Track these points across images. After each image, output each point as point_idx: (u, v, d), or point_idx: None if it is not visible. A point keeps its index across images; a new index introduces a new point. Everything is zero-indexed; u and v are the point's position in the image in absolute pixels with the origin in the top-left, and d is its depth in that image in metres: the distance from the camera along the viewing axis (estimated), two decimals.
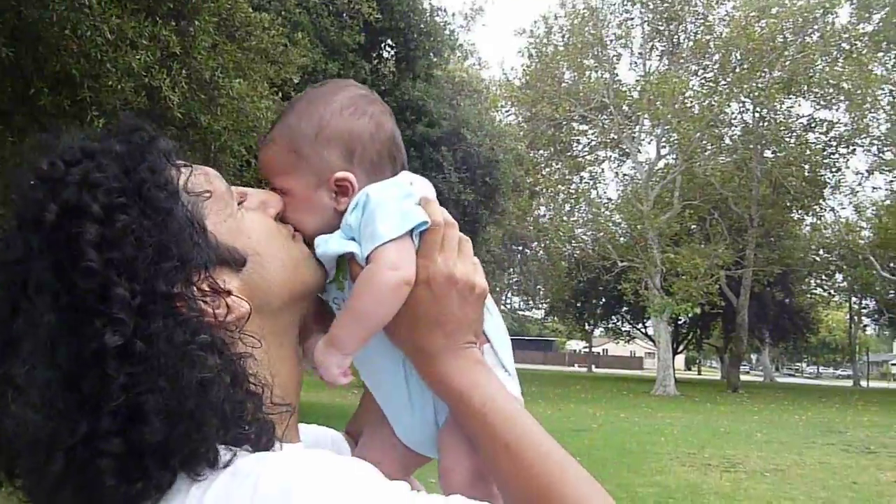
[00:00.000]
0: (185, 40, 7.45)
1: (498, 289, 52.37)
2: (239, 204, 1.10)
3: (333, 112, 1.20)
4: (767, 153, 37.59)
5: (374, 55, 18.83)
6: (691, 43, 37.39)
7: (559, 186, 41.26)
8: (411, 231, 1.11)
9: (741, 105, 38.10)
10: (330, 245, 1.13)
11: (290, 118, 1.21)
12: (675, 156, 38.10)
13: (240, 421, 0.93)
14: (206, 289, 0.96)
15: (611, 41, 38.32)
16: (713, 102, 34.98)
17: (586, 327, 60.71)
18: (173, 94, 7.00)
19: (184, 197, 0.99)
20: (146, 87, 7.05)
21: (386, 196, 1.12)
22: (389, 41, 19.22)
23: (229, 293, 0.98)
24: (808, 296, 51.89)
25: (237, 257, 1.02)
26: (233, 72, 7.96)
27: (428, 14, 19.32)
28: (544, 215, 43.25)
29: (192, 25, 7.61)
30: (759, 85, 34.41)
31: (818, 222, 44.22)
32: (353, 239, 1.12)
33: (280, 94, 9.76)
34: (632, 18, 38.73)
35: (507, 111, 40.21)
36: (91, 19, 6.58)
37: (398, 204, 1.12)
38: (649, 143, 40.51)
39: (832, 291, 52.17)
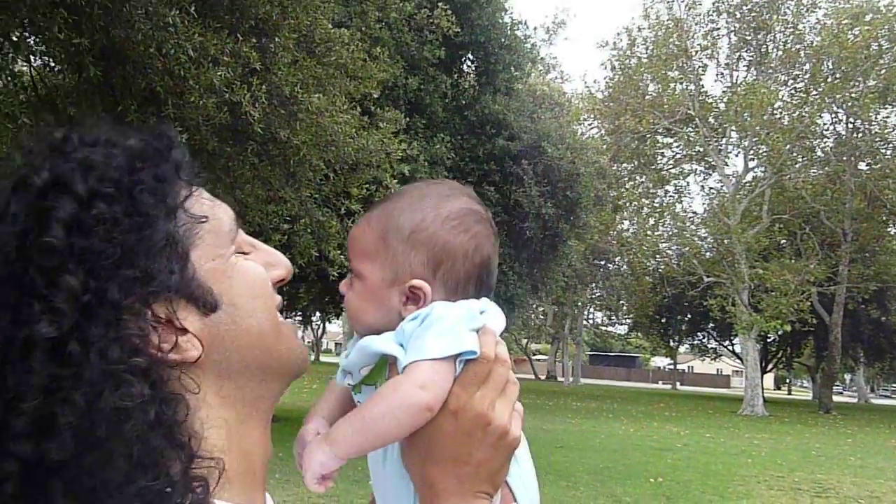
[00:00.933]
0: (266, 56, 7.59)
1: (580, 303, 51.81)
2: (242, 253, 1.00)
3: (436, 218, 1.13)
4: (862, 165, 36.18)
5: (455, 69, 18.90)
6: (780, 52, 36.26)
7: (643, 200, 40.62)
8: (457, 356, 1.02)
9: (833, 115, 36.80)
10: (376, 341, 1.05)
11: (394, 206, 1.15)
12: (763, 168, 37.06)
13: (152, 470, 0.81)
14: (162, 316, 0.87)
15: (696, 52, 37.49)
16: (804, 113, 33.90)
17: (671, 344, 59.63)
18: (254, 110, 7.13)
19: (180, 216, 0.92)
20: (227, 102, 7.20)
21: (449, 314, 1.05)
22: (470, 55, 19.28)
23: (185, 331, 0.89)
24: None
25: (209, 300, 0.91)
26: (312, 87, 8.07)
27: (509, 28, 19.29)
28: (628, 229, 42.64)
29: (272, 42, 7.75)
30: (853, 94, 33.20)
31: None
32: (402, 346, 1.04)
33: (359, 109, 9.85)
34: (718, 29, 37.82)
35: (589, 124, 39.87)
36: (175, 38, 6.76)
37: (456, 326, 1.04)
38: (736, 156, 39.50)
39: None
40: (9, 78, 8.10)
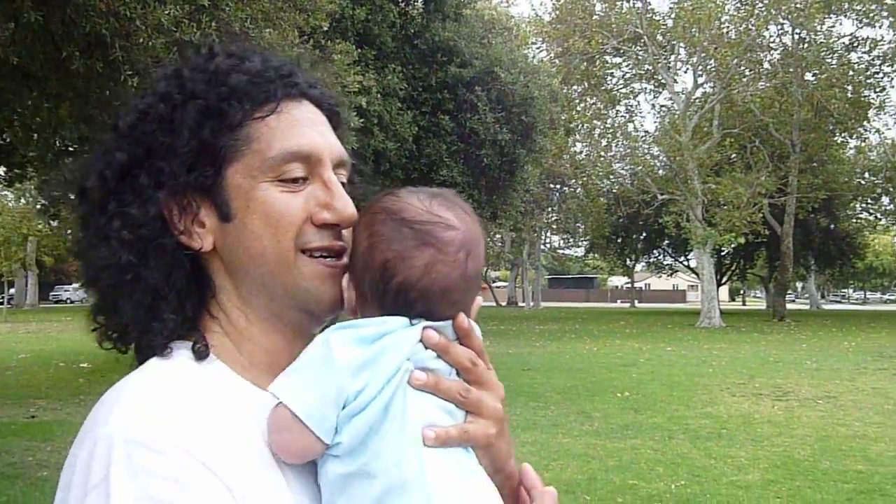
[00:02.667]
0: None
1: (538, 228, 52.19)
2: (290, 181, 1.03)
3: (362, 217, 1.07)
4: (808, 76, 36.60)
5: None
6: None
7: (595, 122, 40.64)
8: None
9: (779, 27, 37.05)
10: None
11: (389, 215, 1.04)
12: (712, 84, 37.30)
13: (171, 303, 1.03)
14: (185, 206, 1.03)
15: None
16: (750, 26, 34.02)
17: (628, 263, 60.57)
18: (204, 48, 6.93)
19: (228, 133, 1.03)
20: (177, 42, 6.98)
21: (309, 355, 0.99)
22: None
23: (203, 224, 1.04)
24: (854, 220, 50.94)
25: (224, 209, 1.03)
26: (262, 22, 7.85)
27: None
28: (581, 152, 42.76)
29: None
30: (798, 5, 33.34)
31: (863, 145, 43.26)
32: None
33: (311, 42, 9.64)
34: None
35: (538, 48, 39.53)
36: None
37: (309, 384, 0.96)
38: (685, 73, 39.89)
39: (878, 215, 51.00)
40: None
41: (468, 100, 18.99)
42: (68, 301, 74.09)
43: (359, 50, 13.72)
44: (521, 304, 62.36)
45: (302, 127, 1.05)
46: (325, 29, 10.38)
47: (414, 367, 0.98)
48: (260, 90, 1.04)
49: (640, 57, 38.46)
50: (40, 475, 8.15)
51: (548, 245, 67.41)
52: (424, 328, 0.99)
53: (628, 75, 41.18)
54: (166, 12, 6.71)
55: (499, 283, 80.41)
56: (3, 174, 14.08)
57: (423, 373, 0.98)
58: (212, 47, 1.11)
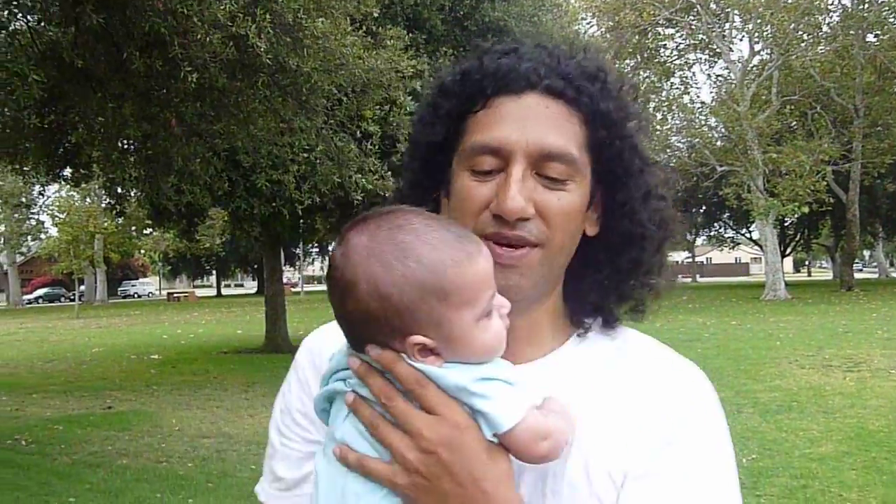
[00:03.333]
0: None
1: None
2: (480, 172, 1.16)
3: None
4: (870, 37, 35.34)
5: None
6: None
7: (649, 95, 39.98)
8: None
9: None
10: None
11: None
12: (769, 51, 36.33)
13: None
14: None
15: None
16: None
17: (688, 237, 59.69)
18: (260, 41, 7.01)
19: (452, 127, 1.19)
20: (233, 36, 7.08)
21: None
22: None
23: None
24: None
25: (447, 193, 1.23)
26: (314, 11, 7.90)
27: None
28: None
29: None
30: None
31: None
32: None
33: (362, 29, 9.69)
34: None
35: (588, 23, 39.03)
36: None
37: None
38: (741, 41, 38.91)
39: None
40: (9, 38, 8.00)
41: None
42: (136, 296, 76.06)
43: (409, 34, 13.69)
44: None
45: (503, 122, 1.11)
46: (376, 15, 10.42)
47: (349, 389, 1.03)
48: (472, 87, 1.15)
49: (693, 27, 37.69)
50: (120, 463, 8.43)
51: None
52: (348, 355, 1.03)
53: (682, 46, 40.41)
54: (222, 7, 6.81)
55: None
56: (69, 174, 14.46)
57: (351, 394, 1.01)
58: (477, 46, 1.25)
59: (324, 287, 1.16)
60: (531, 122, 1.09)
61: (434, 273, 0.96)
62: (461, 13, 18.38)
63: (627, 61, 38.94)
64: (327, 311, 1.05)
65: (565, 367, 1.14)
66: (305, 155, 10.68)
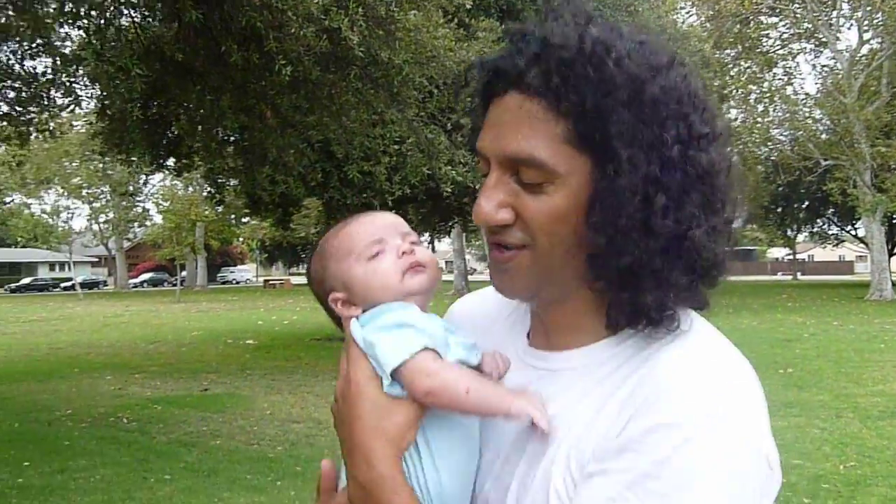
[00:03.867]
0: None
1: None
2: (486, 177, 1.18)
3: None
4: None
5: None
6: None
7: (750, 86, 38.71)
8: None
9: None
10: None
11: None
12: (880, 39, 34.63)
13: None
14: None
15: None
16: None
17: (789, 233, 57.69)
18: (352, 34, 7.11)
19: None
20: (326, 29, 7.21)
21: None
22: None
23: None
24: None
25: None
26: (407, 4, 7.96)
27: None
28: (736, 118, 40.92)
29: None
30: None
31: None
32: None
33: (455, 21, 9.71)
34: None
35: (687, 12, 38.07)
36: None
37: None
38: (849, 29, 37.26)
39: None
40: (114, 33, 8.34)
41: None
42: (234, 282, 78.38)
43: (502, 26, 13.65)
44: None
45: (486, 127, 1.10)
46: (469, 7, 10.42)
47: None
48: (477, 90, 1.14)
49: (798, 15, 36.29)
50: (213, 443, 8.72)
51: None
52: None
53: (786, 35, 38.93)
54: (315, 2, 6.94)
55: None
56: (172, 164, 15.02)
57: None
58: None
59: None
60: (505, 127, 1.06)
61: (326, 242, 1.27)
62: (555, 3, 18.22)
63: (728, 51, 37.84)
64: None
65: (573, 366, 1.11)
66: (396, 146, 10.80)
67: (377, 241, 1.21)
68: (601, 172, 1.01)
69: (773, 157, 41.29)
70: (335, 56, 7.87)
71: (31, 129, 11.03)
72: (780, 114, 38.99)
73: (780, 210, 50.58)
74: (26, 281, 72.93)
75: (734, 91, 38.22)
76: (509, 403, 1.05)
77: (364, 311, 1.18)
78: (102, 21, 8.22)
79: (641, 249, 1.02)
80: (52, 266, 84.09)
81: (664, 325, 1.04)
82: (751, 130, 37.97)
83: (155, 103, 9.82)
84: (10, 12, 8.78)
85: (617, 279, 1.05)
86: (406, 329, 1.11)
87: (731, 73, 38.16)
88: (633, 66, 1.01)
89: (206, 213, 43.61)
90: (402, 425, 1.08)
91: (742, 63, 38.70)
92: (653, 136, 1.00)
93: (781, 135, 39.95)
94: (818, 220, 54.63)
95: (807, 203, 49.50)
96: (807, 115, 37.69)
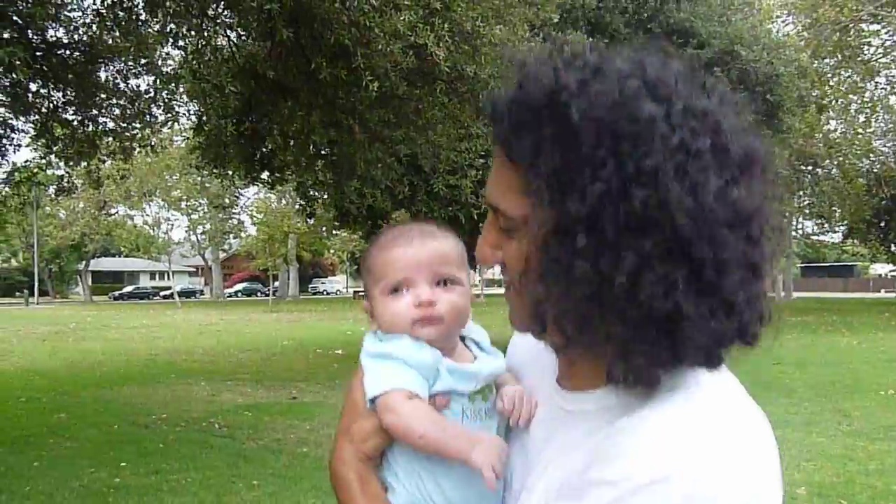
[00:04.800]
0: None
1: (788, 213, 48.98)
2: None
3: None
4: None
5: None
6: None
7: (850, 96, 37.37)
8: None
9: None
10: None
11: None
12: None
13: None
14: None
15: None
16: None
17: (892, 249, 55.21)
18: (438, 49, 7.22)
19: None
20: (413, 45, 7.33)
21: None
22: None
23: None
24: None
25: None
26: (493, 19, 8.03)
27: None
28: (835, 130, 39.49)
29: None
30: None
31: None
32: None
33: (541, 36, 9.72)
34: None
35: (783, 21, 37.01)
36: None
37: None
38: None
39: None
40: (211, 53, 8.67)
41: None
42: (324, 293, 79.84)
43: (590, 39, 13.59)
44: (770, 293, 58.76)
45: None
46: (556, 20, 10.42)
47: None
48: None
49: None
50: (300, 451, 8.90)
51: (800, 231, 62.94)
52: None
53: (888, 43, 37.43)
54: (402, 18, 7.06)
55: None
56: (266, 178, 15.45)
57: None
58: None
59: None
60: (491, 173, 1.10)
61: (369, 252, 1.30)
62: (645, 15, 18.00)
63: (826, 60, 36.62)
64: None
65: (583, 409, 1.10)
66: (482, 160, 10.84)
67: (402, 279, 1.23)
68: (543, 219, 0.96)
69: (875, 170, 39.68)
70: (422, 71, 7.99)
71: (134, 144, 11.54)
72: (882, 125, 37.53)
73: (882, 224, 48.46)
74: (129, 289, 76.15)
75: (834, 101, 36.93)
76: (467, 454, 1.10)
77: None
78: (200, 41, 8.55)
79: (566, 296, 0.95)
80: (152, 275, 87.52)
81: (635, 383, 0.96)
82: (851, 142, 36.66)
83: (249, 119, 10.14)
84: (116, 34, 9.22)
85: (565, 330, 1.00)
86: (389, 362, 1.20)
87: (831, 84, 36.89)
88: (566, 97, 0.94)
89: (298, 225, 44.64)
90: (367, 431, 1.20)
91: (842, 73, 37.38)
92: (582, 173, 0.91)
93: (884, 146, 38.41)
94: None
95: None
96: None
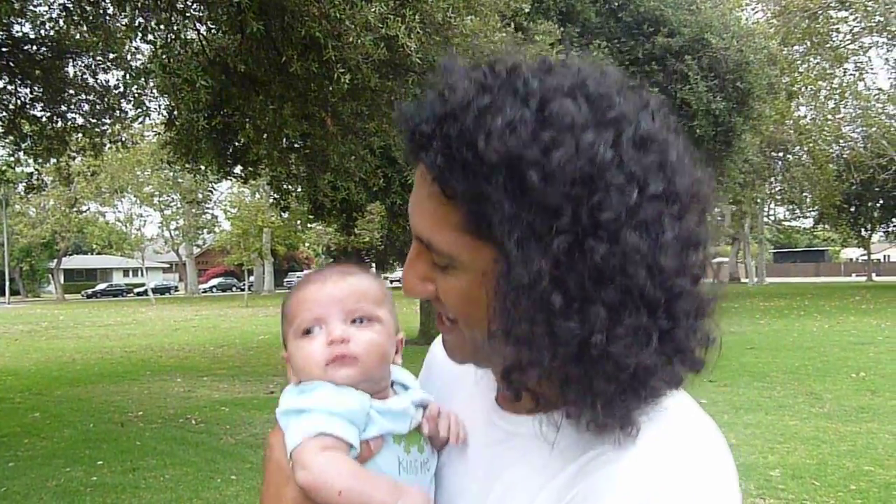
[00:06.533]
0: None
1: (759, 200, 49.46)
2: None
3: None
4: None
5: None
6: None
7: (819, 83, 37.76)
8: None
9: None
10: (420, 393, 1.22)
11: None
12: None
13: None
14: None
15: None
16: None
17: (863, 233, 56.01)
18: (409, 41, 7.19)
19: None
20: (384, 38, 7.30)
21: None
22: None
23: None
24: None
25: None
26: (464, 10, 8.02)
27: None
28: (805, 116, 39.92)
29: None
30: None
31: None
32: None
33: (512, 26, 9.72)
34: None
35: (753, 9, 37.30)
36: None
37: None
38: None
39: None
40: (181, 46, 8.59)
41: (678, 70, 18.32)
42: None
43: (562, 28, 13.63)
44: (743, 279, 59.47)
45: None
46: (527, 10, 10.43)
47: None
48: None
49: (869, 8, 35.23)
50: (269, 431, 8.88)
51: (772, 217, 63.67)
52: None
53: (856, 29, 37.85)
54: (372, 10, 7.03)
55: (718, 259, 77.13)
56: (239, 172, 15.36)
57: None
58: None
59: None
60: (415, 200, 0.99)
61: (286, 297, 1.21)
62: (616, 4, 18.08)
63: (796, 47, 36.95)
64: None
65: (534, 432, 1.01)
66: None
67: (315, 318, 1.15)
68: (498, 266, 0.89)
69: (845, 155, 40.24)
70: (393, 63, 7.97)
71: (105, 140, 11.43)
72: (851, 110, 38.04)
73: (853, 209, 49.13)
74: (102, 286, 75.40)
75: (803, 88, 37.32)
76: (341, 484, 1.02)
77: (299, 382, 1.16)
78: (169, 35, 8.47)
79: (549, 358, 0.89)
80: (125, 272, 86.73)
81: (611, 427, 0.91)
82: (821, 128, 37.09)
83: (220, 113, 10.07)
84: (84, 28, 9.12)
85: (544, 392, 0.96)
86: (305, 416, 1.09)
87: (800, 70, 37.26)
88: (515, 142, 0.85)
89: (273, 219, 44.41)
90: (299, 494, 1.06)
91: (811, 59, 37.78)
92: (541, 225, 0.85)
93: (853, 132, 38.95)
94: (893, 219, 52.92)
95: (881, 201, 48.00)
96: (880, 110, 36.61)
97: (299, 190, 16.31)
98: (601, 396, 0.89)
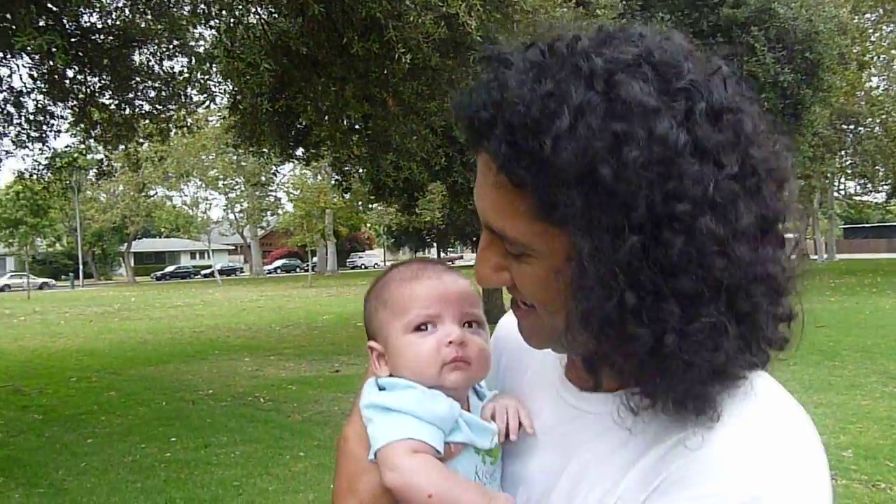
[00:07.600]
0: None
1: (830, 174, 48.05)
2: None
3: None
4: None
5: None
6: None
7: (892, 52, 36.39)
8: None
9: None
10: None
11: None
12: None
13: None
14: None
15: None
16: None
17: None
18: (470, 19, 7.17)
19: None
20: (444, 16, 7.29)
21: None
22: None
23: None
24: None
25: None
26: None
27: None
28: (877, 87, 38.52)
29: None
30: None
31: None
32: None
33: (574, 0, 9.60)
34: None
35: None
36: None
37: None
38: None
39: None
40: (243, 31, 8.70)
41: (744, 41, 17.82)
42: (363, 267, 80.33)
43: (623, 1, 13.41)
44: (812, 256, 58.03)
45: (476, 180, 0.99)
46: None
47: None
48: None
49: None
50: (344, 422, 9.02)
51: (842, 192, 61.80)
52: None
53: None
54: None
55: (787, 234, 75.21)
56: (301, 154, 15.54)
57: None
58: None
59: None
60: (480, 190, 0.96)
61: (385, 284, 1.17)
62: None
63: (867, 15, 35.66)
64: None
65: (608, 411, 0.98)
66: None
67: (430, 315, 1.11)
68: (572, 256, 0.87)
69: None
70: (454, 42, 7.95)
71: (171, 125, 11.67)
72: None
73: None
74: (170, 269, 77.27)
75: (875, 58, 36.00)
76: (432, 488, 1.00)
77: (390, 376, 1.13)
78: (232, 20, 8.59)
79: (623, 357, 0.89)
80: (192, 254, 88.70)
81: (688, 414, 0.89)
82: (894, 99, 35.73)
83: (283, 96, 10.18)
84: (149, 17, 9.30)
85: (622, 376, 0.95)
86: (393, 416, 1.07)
87: (872, 39, 35.93)
88: (584, 133, 0.81)
89: (335, 200, 44.80)
90: (376, 488, 1.05)
91: (883, 28, 36.40)
92: (614, 221, 0.82)
93: None
94: None
95: None
96: None
97: (361, 171, 16.43)
98: (679, 386, 0.87)
